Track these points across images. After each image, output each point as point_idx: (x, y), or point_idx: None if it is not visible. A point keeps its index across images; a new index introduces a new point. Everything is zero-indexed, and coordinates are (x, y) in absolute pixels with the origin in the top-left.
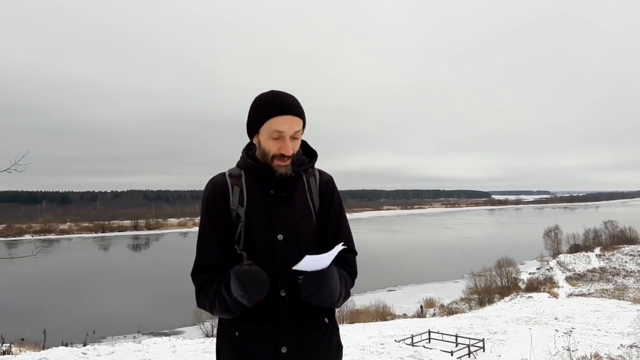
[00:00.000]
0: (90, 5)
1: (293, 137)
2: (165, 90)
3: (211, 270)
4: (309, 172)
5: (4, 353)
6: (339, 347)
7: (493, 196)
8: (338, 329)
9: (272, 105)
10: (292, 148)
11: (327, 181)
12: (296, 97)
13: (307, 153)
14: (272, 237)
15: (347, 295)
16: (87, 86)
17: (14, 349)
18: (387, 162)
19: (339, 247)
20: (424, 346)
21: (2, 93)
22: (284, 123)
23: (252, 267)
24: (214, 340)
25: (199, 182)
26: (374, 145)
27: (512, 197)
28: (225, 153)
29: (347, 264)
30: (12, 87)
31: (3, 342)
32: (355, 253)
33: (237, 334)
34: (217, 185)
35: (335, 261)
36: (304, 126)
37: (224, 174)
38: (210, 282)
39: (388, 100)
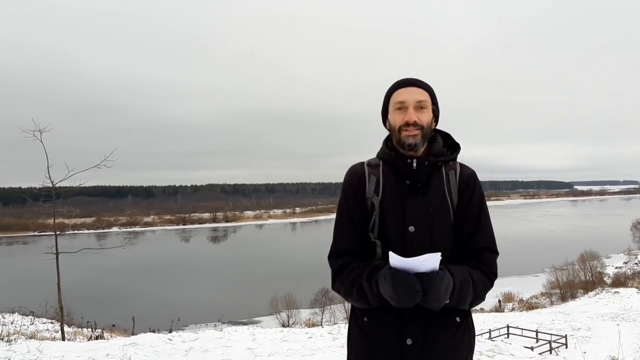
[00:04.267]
0: (165, 9)
1: (419, 107)
2: (238, 89)
3: (347, 254)
4: (449, 166)
5: (97, 338)
6: (470, 348)
7: (575, 187)
8: (473, 330)
9: (394, 83)
10: (418, 118)
11: (468, 175)
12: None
13: (450, 146)
14: (404, 229)
15: (479, 297)
16: (165, 86)
17: (106, 334)
18: (460, 153)
19: (438, 255)
20: (502, 341)
21: (87, 95)
22: (405, 93)
23: (410, 276)
24: (291, 330)
25: (274, 175)
26: None
27: (596, 188)
28: (297, 147)
29: (484, 263)
30: (96, 89)
31: (96, 328)
32: (496, 253)
33: (365, 319)
34: (355, 173)
35: (471, 260)
36: (434, 102)
37: (363, 163)
38: (349, 269)
39: (452, 92)
